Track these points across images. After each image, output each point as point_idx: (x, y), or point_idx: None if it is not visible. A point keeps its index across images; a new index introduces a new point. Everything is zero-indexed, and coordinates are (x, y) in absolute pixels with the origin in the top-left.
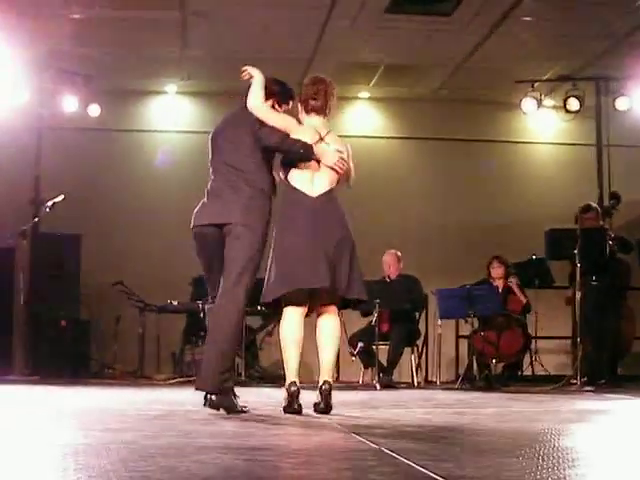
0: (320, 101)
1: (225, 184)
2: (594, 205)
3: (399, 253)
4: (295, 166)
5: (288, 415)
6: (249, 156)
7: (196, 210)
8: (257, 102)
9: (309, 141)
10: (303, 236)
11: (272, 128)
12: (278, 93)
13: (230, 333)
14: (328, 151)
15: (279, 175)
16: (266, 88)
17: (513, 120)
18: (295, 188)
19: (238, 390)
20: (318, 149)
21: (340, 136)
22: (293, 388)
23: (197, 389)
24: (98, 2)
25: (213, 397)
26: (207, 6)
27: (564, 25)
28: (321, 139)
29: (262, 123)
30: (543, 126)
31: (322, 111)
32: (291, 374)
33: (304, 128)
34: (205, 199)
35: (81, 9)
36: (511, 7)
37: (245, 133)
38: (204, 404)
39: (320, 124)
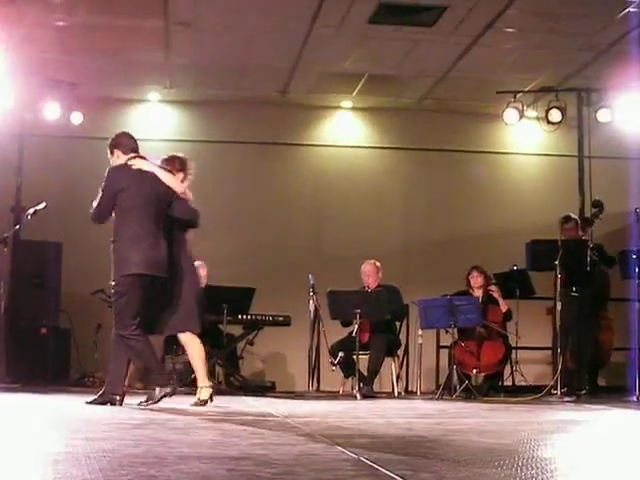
0: None
1: None
2: (574, 216)
3: (378, 263)
4: None
5: (269, 424)
6: None
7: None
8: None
9: None
10: None
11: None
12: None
13: None
14: None
15: None
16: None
17: (495, 131)
18: None
19: (218, 399)
20: None
21: (322, 146)
22: None
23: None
24: (82, 9)
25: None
26: (191, 15)
27: (546, 36)
28: None
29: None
30: (525, 137)
31: None
32: None
33: None
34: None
35: (65, 16)
36: (494, 18)
37: None
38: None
39: None
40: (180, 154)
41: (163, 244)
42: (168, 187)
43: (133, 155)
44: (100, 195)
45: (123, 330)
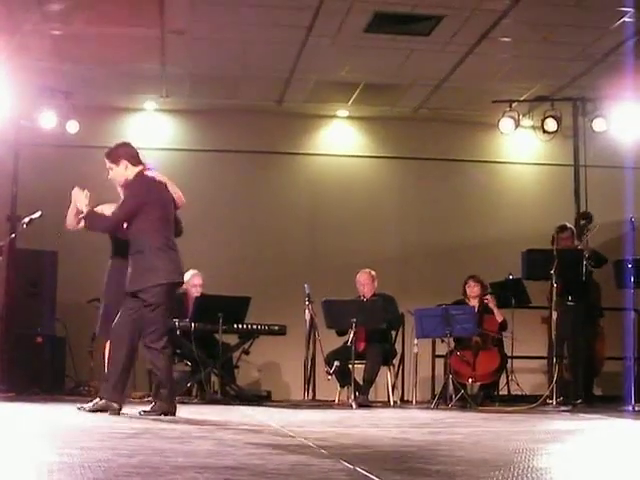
0: None
1: None
2: (569, 225)
3: (373, 272)
4: None
5: (264, 434)
6: None
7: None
8: None
9: None
10: None
11: None
12: None
13: None
14: None
15: None
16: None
17: (491, 140)
18: None
19: (214, 408)
20: None
21: (318, 155)
22: None
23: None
24: (78, 19)
25: None
26: (186, 24)
27: (542, 46)
28: None
29: None
30: (521, 146)
31: None
32: None
33: None
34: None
35: (61, 25)
36: (489, 28)
37: None
38: None
39: None
40: None
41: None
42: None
43: (145, 166)
44: (126, 203)
45: (156, 343)
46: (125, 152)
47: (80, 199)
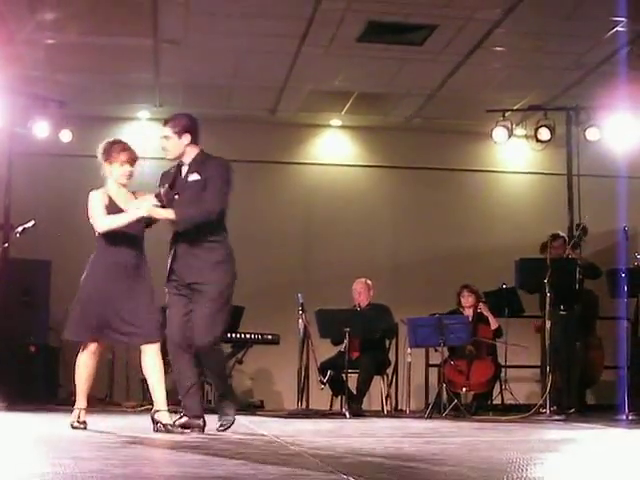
0: None
1: None
2: (562, 234)
3: (369, 281)
4: None
5: (257, 443)
6: None
7: None
8: None
9: None
10: None
11: None
12: None
13: None
14: None
15: None
16: None
17: (484, 149)
18: None
19: (207, 417)
20: None
21: (312, 164)
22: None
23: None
24: (72, 28)
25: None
26: (180, 34)
27: (535, 55)
28: None
29: None
30: (514, 155)
31: None
32: None
33: None
34: None
35: (55, 35)
36: (482, 37)
37: None
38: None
39: None
40: None
41: None
42: None
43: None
44: (222, 187)
45: (217, 341)
46: (190, 126)
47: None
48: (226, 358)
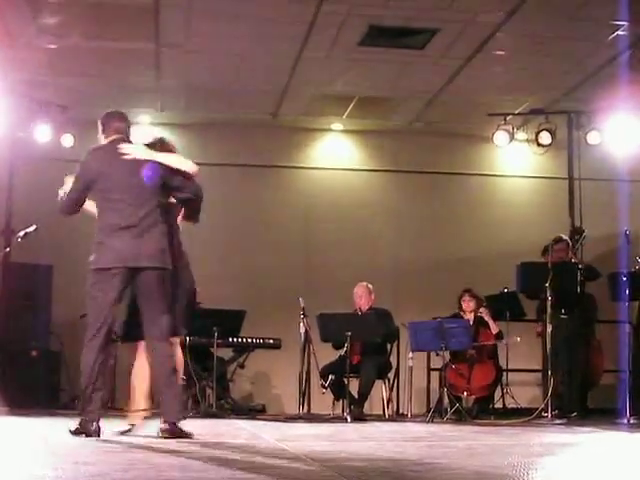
0: None
1: None
2: (565, 237)
3: (370, 285)
4: None
5: (259, 448)
6: None
7: None
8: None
9: None
10: None
11: None
12: None
13: None
14: None
15: None
16: None
17: (485, 153)
18: None
19: (209, 421)
20: None
21: (313, 168)
22: None
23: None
24: (73, 32)
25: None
26: (181, 38)
27: (536, 59)
28: None
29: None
30: (515, 159)
31: None
32: None
33: None
34: None
35: (56, 39)
36: (484, 41)
37: None
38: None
39: None
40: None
41: None
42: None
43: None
44: None
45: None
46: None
47: None
48: (226, 362)
